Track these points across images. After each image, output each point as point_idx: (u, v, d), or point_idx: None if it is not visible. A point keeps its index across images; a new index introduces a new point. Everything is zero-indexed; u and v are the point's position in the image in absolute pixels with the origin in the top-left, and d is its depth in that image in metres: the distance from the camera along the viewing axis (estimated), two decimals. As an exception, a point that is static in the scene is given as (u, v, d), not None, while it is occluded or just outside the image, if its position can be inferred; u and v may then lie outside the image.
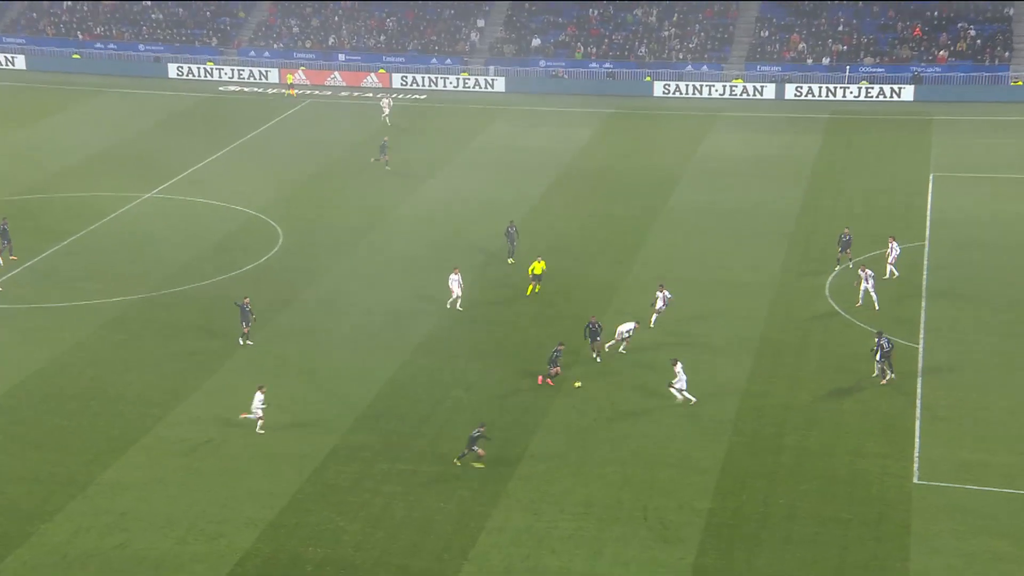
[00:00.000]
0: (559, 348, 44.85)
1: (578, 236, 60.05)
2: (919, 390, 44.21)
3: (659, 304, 48.25)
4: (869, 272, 50.70)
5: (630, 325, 46.35)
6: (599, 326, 45.89)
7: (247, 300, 48.23)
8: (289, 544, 35.61)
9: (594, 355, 46.18)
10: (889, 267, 53.28)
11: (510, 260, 56.35)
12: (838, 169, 70.25)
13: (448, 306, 50.86)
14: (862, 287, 50.49)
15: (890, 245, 53.71)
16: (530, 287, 52.65)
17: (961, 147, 73.27)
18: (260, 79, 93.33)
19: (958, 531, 35.63)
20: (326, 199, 66.08)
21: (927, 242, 58.13)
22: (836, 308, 51.33)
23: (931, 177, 67.79)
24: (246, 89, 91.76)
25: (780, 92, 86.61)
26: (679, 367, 42.83)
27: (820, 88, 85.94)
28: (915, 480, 38.43)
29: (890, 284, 52.90)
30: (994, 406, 42.87)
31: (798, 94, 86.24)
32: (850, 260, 55.23)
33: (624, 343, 46.27)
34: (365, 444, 40.98)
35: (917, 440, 40.75)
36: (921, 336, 48.54)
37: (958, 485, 38.00)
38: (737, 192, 66.36)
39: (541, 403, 43.55)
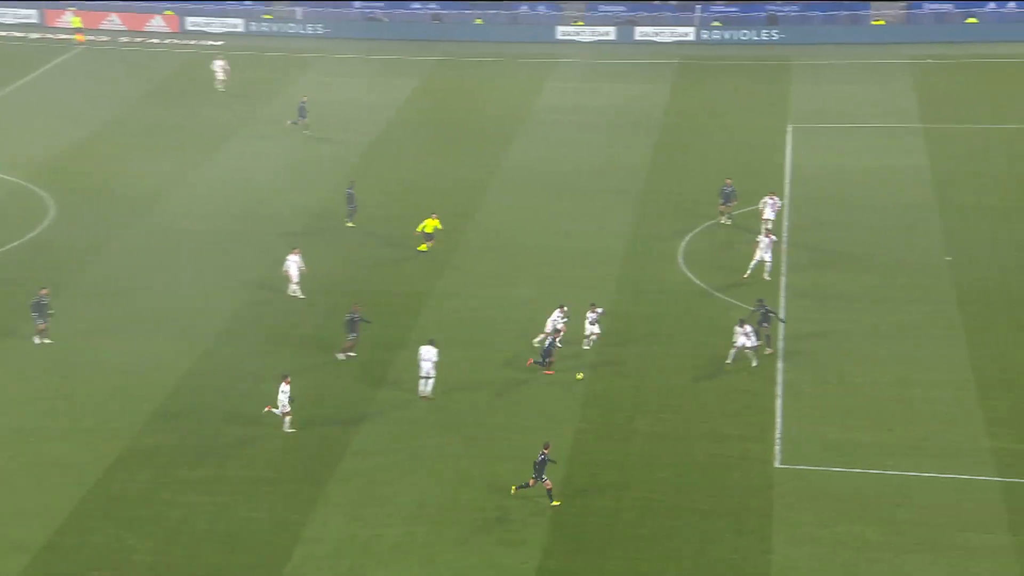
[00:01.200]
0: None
1: (403, 200, 59.58)
2: (779, 364, 45.09)
3: (590, 325, 45.57)
4: (773, 238, 51.32)
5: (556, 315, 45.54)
6: (359, 318, 45.13)
7: (45, 292, 46.30)
8: (67, 569, 34.44)
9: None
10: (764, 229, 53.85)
11: (348, 223, 55.84)
12: (690, 121, 71.23)
13: (290, 293, 49.57)
14: (758, 255, 50.90)
15: (767, 201, 54.32)
16: (423, 245, 53.29)
17: (821, 94, 74.99)
18: (21, 21, 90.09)
19: (823, 518, 36.48)
20: (105, 165, 64.11)
21: (787, 200, 59.25)
22: (691, 276, 52.04)
23: (789, 128, 69.25)
24: (3, 33, 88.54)
25: (625, 35, 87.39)
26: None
27: (668, 31, 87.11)
28: (777, 464, 39.24)
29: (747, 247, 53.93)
30: (860, 380, 44.01)
31: (644, 37, 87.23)
32: (731, 216, 56.22)
33: (558, 335, 44.93)
34: (159, 447, 39.96)
35: (779, 420, 41.59)
36: (781, 304, 49.48)
37: (823, 468, 38.90)
38: (580, 148, 66.76)
39: (364, 393, 43.11)
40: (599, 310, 45.99)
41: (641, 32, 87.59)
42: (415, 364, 43.25)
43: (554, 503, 37.01)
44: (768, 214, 54.72)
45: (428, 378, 42.54)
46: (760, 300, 46.34)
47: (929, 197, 59.43)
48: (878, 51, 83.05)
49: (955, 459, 39.29)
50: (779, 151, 66.07)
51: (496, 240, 55.50)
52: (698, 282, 51.51)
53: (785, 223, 56.92)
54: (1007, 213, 57.26)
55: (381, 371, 44.45)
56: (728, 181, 56.98)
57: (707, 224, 56.58)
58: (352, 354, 45.17)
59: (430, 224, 53.77)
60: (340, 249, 54.31)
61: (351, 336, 45.24)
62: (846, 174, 62.70)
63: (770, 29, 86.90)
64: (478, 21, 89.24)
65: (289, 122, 68.57)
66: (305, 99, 69.27)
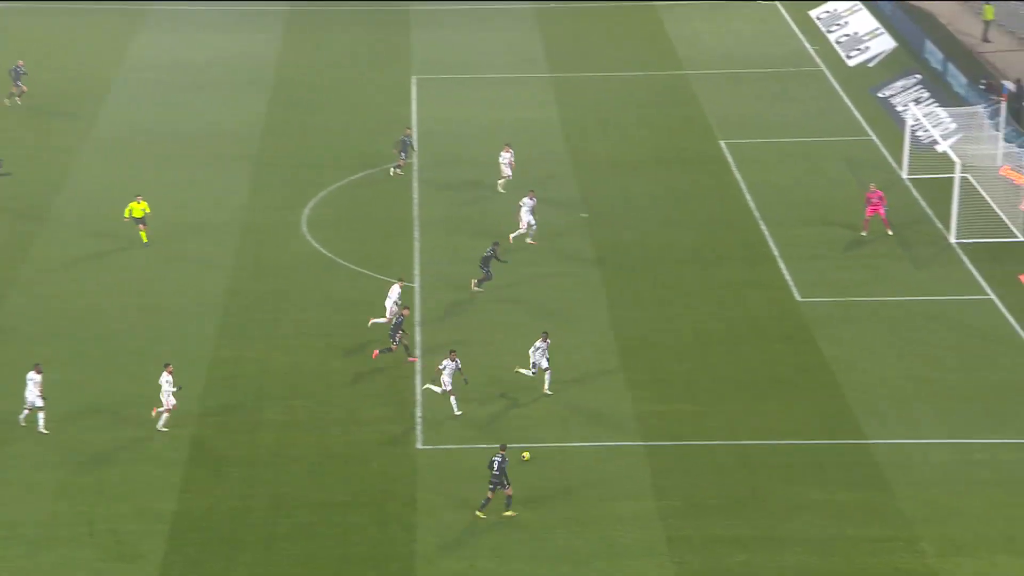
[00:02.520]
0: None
1: (-15, 176, 56.58)
2: (418, 339, 45.32)
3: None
4: (533, 201, 51.53)
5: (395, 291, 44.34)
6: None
7: None
8: None
9: None
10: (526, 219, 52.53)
11: None
12: (307, 75, 70.59)
13: None
14: (524, 218, 51.11)
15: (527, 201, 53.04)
16: (143, 233, 50.98)
17: (444, 42, 75.65)
18: None
19: (469, 500, 36.61)
20: None
21: (416, 161, 59.69)
22: (318, 247, 51.68)
23: (414, 80, 69.70)
24: None
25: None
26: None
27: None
28: (419, 446, 39.49)
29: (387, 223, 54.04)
30: (502, 348, 44.64)
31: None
32: (400, 168, 56.95)
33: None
34: None
35: (419, 398, 41.80)
36: (416, 274, 49.84)
37: (467, 446, 39.38)
38: (185, 109, 65.11)
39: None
40: (451, 361, 41.04)
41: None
42: None
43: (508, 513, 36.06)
44: (506, 171, 54.79)
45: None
46: (495, 242, 47.91)
47: (561, 151, 61.08)
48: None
49: (599, 426, 40.51)
50: (405, 105, 66.37)
51: (95, 215, 53.36)
52: (325, 252, 51.21)
53: (415, 184, 57.34)
54: (639, 166, 59.50)
55: None
56: (408, 130, 58.20)
57: (333, 187, 56.17)
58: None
59: (137, 208, 50.90)
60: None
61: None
62: (477, 128, 63.48)
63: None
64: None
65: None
66: None
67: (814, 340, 45.30)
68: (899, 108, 64.33)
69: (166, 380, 39.30)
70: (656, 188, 56.95)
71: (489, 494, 36.00)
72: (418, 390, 42.17)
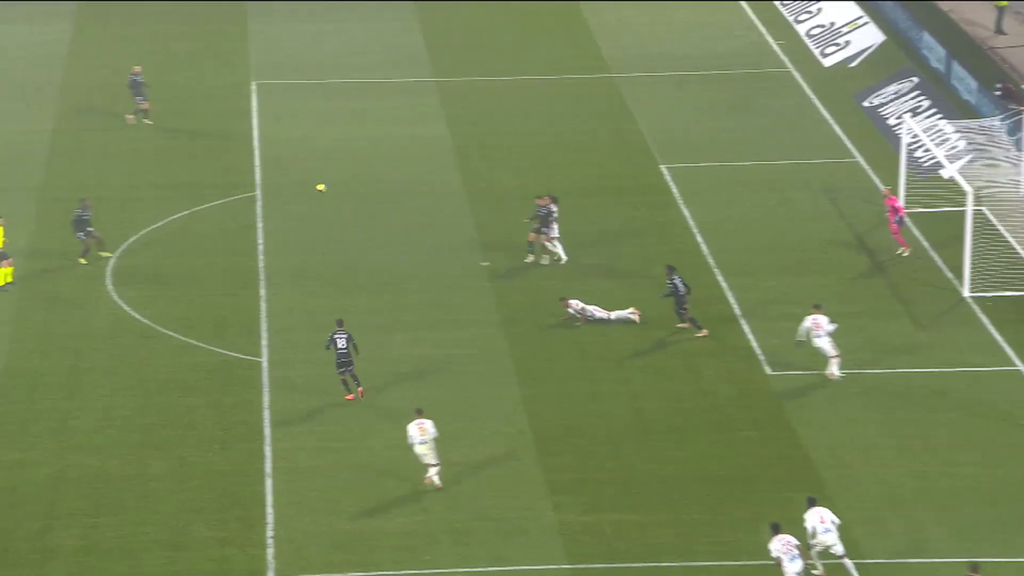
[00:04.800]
0: None
1: None
2: (266, 430, 45.33)
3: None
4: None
5: None
6: None
7: None
8: None
9: None
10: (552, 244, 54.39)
11: None
12: (104, 78, 70.41)
13: None
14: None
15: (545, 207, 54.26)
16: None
17: (287, 36, 76.32)
18: None
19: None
20: None
21: (259, 192, 59.93)
22: (128, 310, 51.75)
23: (253, 87, 69.79)
24: None
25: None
26: None
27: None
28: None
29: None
30: (377, 441, 44.59)
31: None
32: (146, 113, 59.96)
33: None
34: None
35: (269, 512, 41.58)
36: (263, 342, 49.96)
37: (334, 575, 39.10)
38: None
39: None
40: None
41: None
42: None
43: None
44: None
45: None
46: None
47: (454, 179, 61.44)
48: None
49: (511, 544, 40.37)
50: (242, 118, 66.75)
51: None
52: (134, 314, 51.34)
53: (259, 224, 57.50)
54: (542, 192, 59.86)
55: None
56: (137, 69, 62.66)
57: (148, 229, 56.47)
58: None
59: None
60: None
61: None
62: (338, 147, 63.90)
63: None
64: None
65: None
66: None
67: (790, 426, 45.69)
68: (891, 121, 65.39)
69: None
70: (579, 226, 57.16)
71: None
72: (268, 500, 41.76)
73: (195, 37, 76.12)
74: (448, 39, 75.81)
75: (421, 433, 42.42)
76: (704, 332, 49.97)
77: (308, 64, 72.85)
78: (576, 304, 50.54)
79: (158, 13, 78.99)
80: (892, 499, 42.27)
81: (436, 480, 42.42)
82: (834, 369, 47.53)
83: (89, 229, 53.79)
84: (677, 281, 49.98)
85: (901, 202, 56.73)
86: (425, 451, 42.29)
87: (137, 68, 65.23)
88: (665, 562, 39.61)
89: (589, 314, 50.44)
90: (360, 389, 46.52)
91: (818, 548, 38.67)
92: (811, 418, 45.99)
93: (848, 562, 38.81)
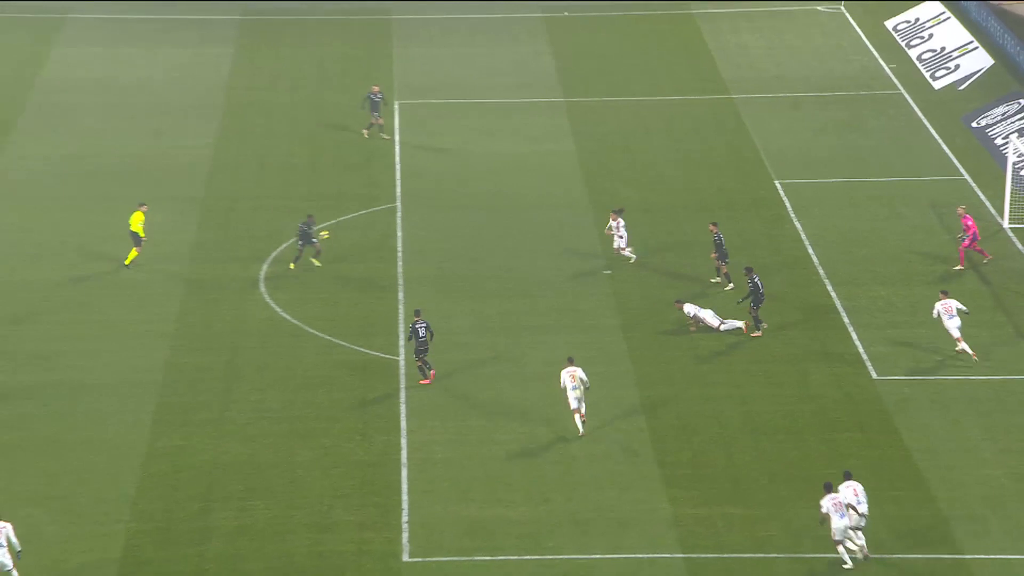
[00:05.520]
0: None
1: None
2: (403, 423, 45.78)
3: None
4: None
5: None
6: None
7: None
8: None
9: None
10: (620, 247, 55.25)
11: None
12: (262, 97, 71.58)
13: None
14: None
15: (614, 222, 55.21)
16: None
17: (428, 59, 76.63)
18: None
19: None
20: None
21: (399, 203, 60.45)
22: (279, 311, 52.25)
23: (396, 106, 70.27)
24: None
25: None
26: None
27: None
28: (405, 558, 39.59)
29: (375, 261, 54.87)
30: (506, 435, 45.03)
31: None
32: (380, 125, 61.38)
33: None
34: None
35: (405, 499, 42.05)
36: (400, 340, 50.29)
37: (463, 558, 39.54)
38: (93, 138, 66.03)
39: None
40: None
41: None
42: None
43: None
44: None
45: None
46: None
47: (580, 193, 61.69)
48: (501, 3, 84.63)
49: (628, 533, 40.63)
50: (386, 132, 66.96)
51: None
52: (288, 317, 51.75)
53: (399, 233, 58.01)
54: (675, 212, 59.98)
55: None
56: (375, 88, 63.84)
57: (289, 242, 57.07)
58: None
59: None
60: None
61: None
62: (474, 163, 64.36)
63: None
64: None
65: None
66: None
67: (895, 429, 45.57)
68: (998, 140, 64.95)
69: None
70: (697, 238, 57.43)
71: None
72: (404, 488, 42.50)
73: (349, 55, 76.67)
74: (576, 62, 75.92)
75: (572, 380, 43.80)
76: (759, 333, 50.22)
77: (447, 85, 73.21)
78: (690, 308, 50.92)
79: (313, 31, 79.86)
80: (993, 499, 42.06)
81: (581, 427, 43.22)
82: (964, 346, 48.52)
83: (313, 240, 54.38)
84: (757, 280, 50.33)
85: (1006, 220, 56.60)
86: (576, 396, 43.52)
87: (376, 88, 65.67)
88: (772, 554, 39.80)
89: (701, 319, 50.83)
90: (432, 373, 47.40)
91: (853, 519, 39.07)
92: (914, 421, 45.83)
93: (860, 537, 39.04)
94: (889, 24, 79.75)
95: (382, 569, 39.25)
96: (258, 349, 50.05)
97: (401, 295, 53.44)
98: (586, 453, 44.12)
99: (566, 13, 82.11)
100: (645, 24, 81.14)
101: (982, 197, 60.55)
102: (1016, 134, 63.63)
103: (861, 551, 38.87)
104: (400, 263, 55.83)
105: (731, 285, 53.26)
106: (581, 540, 40.42)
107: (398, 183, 62.38)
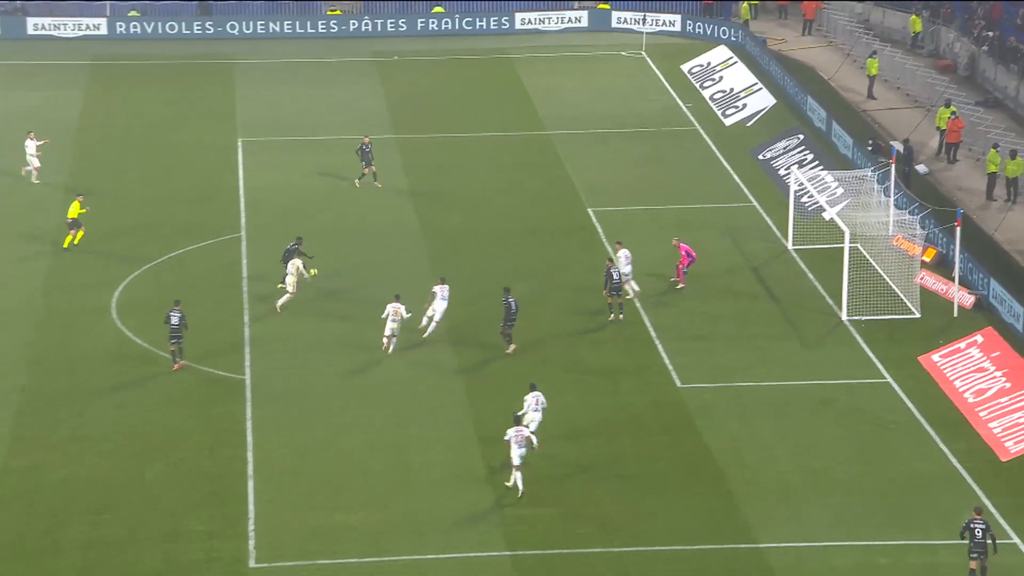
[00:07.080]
0: None
1: None
2: (249, 437, 44.77)
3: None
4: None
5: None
6: None
7: None
8: None
9: None
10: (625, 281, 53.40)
11: None
12: (107, 135, 70.54)
13: None
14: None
15: (619, 254, 53.81)
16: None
17: (275, 99, 75.92)
18: None
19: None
20: None
21: (243, 233, 59.43)
22: (132, 336, 51.01)
23: (239, 144, 69.32)
24: None
25: (15, 29, 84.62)
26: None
27: (72, 23, 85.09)
28: (252, 564, 38.69)
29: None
30: (348, 445, 44.34)
31: (39, 31, 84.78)
32: (373, 173, 62.20)
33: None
34: None
35: (251, 508, 41.14)
36: (246, 360, 49.36)
37: (307, 562, 38.74)
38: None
39: None
40: None
41: (35, 25, 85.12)
42: None
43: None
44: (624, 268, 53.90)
45: None
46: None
47: (411, 220, 61.03)
48: (336, 47, 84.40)
49: (459, 534, 40.12)
50: (231, 171, 66.14)
51: None
52: (137, 340, 50.40)
53: (244, 261, 56.89)
54: (499, 238, 59.59)
55: None
56: (366, 139, 63.29)
57: (149, 264, 55.69)
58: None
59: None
60: None
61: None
62: (315, 197, 63.40)
63: (203, 21, 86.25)
64: None
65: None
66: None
67: (697, 431, 45.49)
68: (782, 171, 65.37)
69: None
70: (517, 261, 57.06)
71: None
72: (251, 497, 41.33)
73: (190, 98, 75.76)
74: (406, 102, 75.43)
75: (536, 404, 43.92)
76: (510, 350, 49.63)
77: (286, 124, 72.16)
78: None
79: (160, 78, 78.87)
80: (784, 493, 42.23)
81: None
82: None
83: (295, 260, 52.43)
84: (511, 300, 49.54)
85: (791, 242, 56.96)
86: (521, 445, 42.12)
87: (366, 139, 63.59)
88: (590, 548, 39.44)
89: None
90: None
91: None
92: (714, 424, 45.82)
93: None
94: (685, 67, 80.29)
95: (230, 574, 38.33)
96: (112, 372, 48.79)
97: (247, 318, 52.36)
98: (422, 461, 43.54)
99: (395, 57, 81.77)
100: (469, 67, 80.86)
101: (769, 222, 60.83)
102: (796, 165, 64.16)
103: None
104: (245, 288, 54.61)
105: (622, 316, 52.42)
106: (417, 542, 39.83)
107: (243, 214, 61.20)
